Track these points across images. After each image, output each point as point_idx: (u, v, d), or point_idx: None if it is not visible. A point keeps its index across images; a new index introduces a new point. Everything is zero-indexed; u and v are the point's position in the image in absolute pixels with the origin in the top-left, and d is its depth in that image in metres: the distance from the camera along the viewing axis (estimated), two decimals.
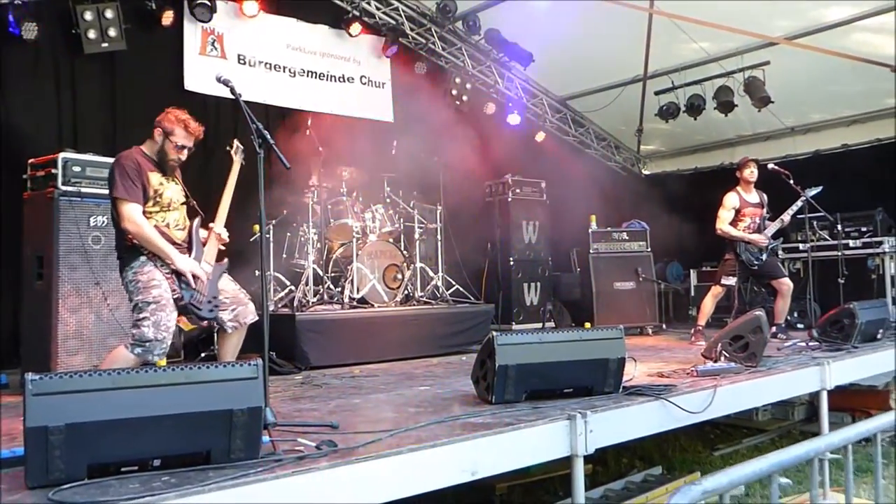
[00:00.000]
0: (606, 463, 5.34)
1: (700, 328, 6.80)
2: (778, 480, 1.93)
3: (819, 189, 6.55)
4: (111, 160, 4.45)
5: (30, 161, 5.19)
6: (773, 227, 6.58)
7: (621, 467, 5.39)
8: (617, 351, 3.77)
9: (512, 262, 8.54)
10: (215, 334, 5.30)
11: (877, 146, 8.77)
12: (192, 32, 7.29)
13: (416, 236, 7.40)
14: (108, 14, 6.42)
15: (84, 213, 4.96)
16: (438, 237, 7.76)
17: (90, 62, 6.60)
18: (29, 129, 6.13)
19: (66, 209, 4.89)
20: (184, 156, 3.86)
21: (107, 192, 3.79)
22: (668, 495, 1.62)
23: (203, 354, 5.96)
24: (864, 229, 8.12)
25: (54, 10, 6.33)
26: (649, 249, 8.62)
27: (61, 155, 4.99)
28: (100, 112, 6.75)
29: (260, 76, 7.79)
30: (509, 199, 8.66)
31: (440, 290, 7.32)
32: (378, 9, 8.58)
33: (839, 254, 7.33)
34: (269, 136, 3.32)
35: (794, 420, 6.79)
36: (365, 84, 8.76)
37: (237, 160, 4.06)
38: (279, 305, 6.52)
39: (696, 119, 9.07)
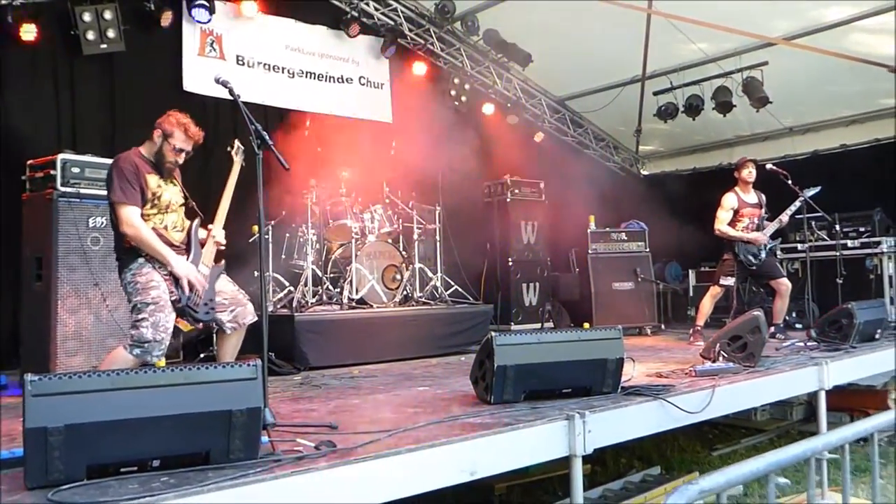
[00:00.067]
0: (605, 463, 5.34)
1: (699, 328, 6.81)
2: (775, 480, 1.94)
3: (817, 189, 6.56)
4: (110, 161, 4.45)
5: (29, 162, 5.20)
6: (771, 228, 6.59)
7: (620, 467, 5.40)
8: (615, 351, 3.78)
9: (511, 263, 8.55)
10: (214, 335, 5.31)
11: (875, 146, 8.78)
12: (190, 33, 7.30)
13: (415, 237, 7.40)
14: (107, 15, 6.42)
15: (83, 214, 4.97)
16: (437, 238, 7.77)
17: (89, 63, 6.60)
18: (28, 130, 6.14)
19: (65, 210, 4.90)
20: (181, 159, 3.85)
21: (106, 193, 3.80)
22: (667, 495, 1.62)
23: (202, 355, 5.96)
24: (862, 229, 8.13)
25: (53, 11, 6.33)
26: (648, 250, 8.63)
27: (60, 156, 5.00)
28: (99, 113, 6.75)
29: (259, 77, 7.80)
30: (508, 200, 8.67)
31: (439, 291, 7.33)
32: (377, 9, 8.58)
33: (837, 254, 7.35)
34: (267, 137, 3.33)
35: (793, 420, 6.80)
36: (364, 85, 8.76)
37: (237, 161, 4.06)
38: (278, 306, 6.52)
39: (694, 119, 9.08)
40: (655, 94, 9.29)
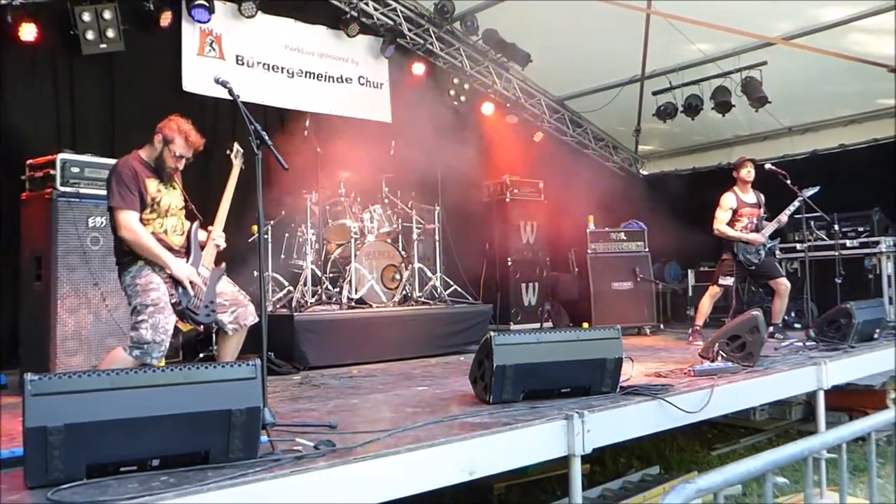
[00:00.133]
0: (604, 463, 5.34)
1: (698, 328, 6.81)
2: (772, 479, 1.94)
3: (816, 189, 6.57)
4: (110, 161, 4.46)
5: (28, 162, 5.19)
6: (770, 228, 6.59)
7: (619, 467, 5.40)
8: (614, 351, 3.78)
9: (510, 263, 8.56)
10: (214, 335, 5.32)
11: (874, 146, 8.80)
12: (190, 33, 7.30)
13: (415, 237, 7.41)
14: (106, 15, 6.43)
15: (82, 214, 4.96)
16: (436, 237, 7.77)
17: (88, 63, 6.61)
18: (27, 129, 6.14)
19: (65, 210, 4.90)
20: (181, 165, 3.86)
21: (105, 192, 3.80)
22: (664, 494, 1.63)
23: (202, 355, 5.97)
24: (861, 229, 8.14)
25: (52, 11, 6.34)
26: (647, 249, 8.64)
27: (60, 156, 5.00)
28: (98, 113, 6.76)
29: (258, 77, 7.80)
30: (507, 200, 8.68)
31: (438, 291, 7.33)
32: (376, 9, 8.59)
33: (836, 254, 7.36)
34: (266, 138, 3.33)
35: (792, 420, 6.80)
36: (363, 84, 8.77)
37: (237, 164, 4.06)
38: (277, 306, 6.53)
39: (693, 119, 9.09)
40: (654, 93, 9.30)
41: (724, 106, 8.61)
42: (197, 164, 5.58)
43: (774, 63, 8.13)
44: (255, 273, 4.04)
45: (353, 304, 6.49)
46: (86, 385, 2.35)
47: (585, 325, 7.75)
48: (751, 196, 6.73)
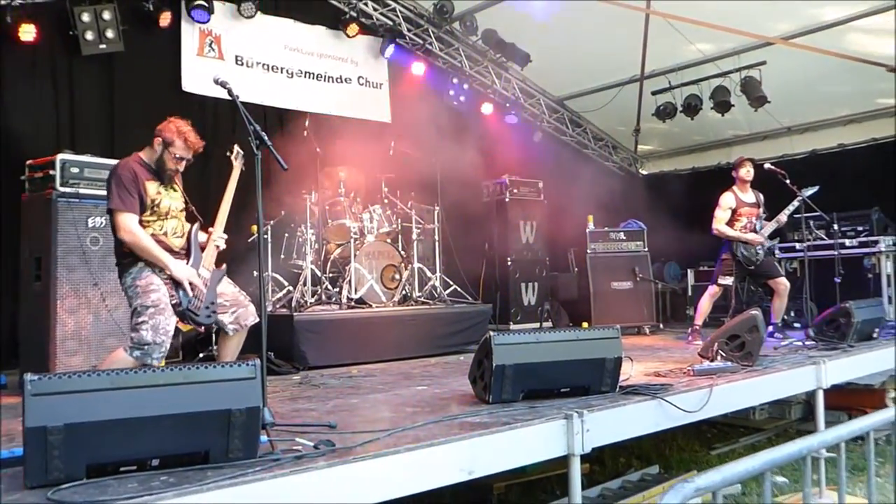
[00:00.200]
0: (603, 462, 5.35)
1: (697, 328, 6.82)
2: (771, 478, 1.95)
3: (815, 189, 6.57)
4: (109, 161, 4.46)
5: (28, 162, 5.20)
6: (769, 227, 6.59)
7: (618, 466, 5.40)
8: (614, 350, 3.78)
9: (510, 263, 8.56)
10: (214, 335, 5.32)
11: (873, 146, 8.81)
12: (189, 33, 7.31)
13: (414, 237, 7.41)
14: (106, 15, 6.43)
15: (82, 215, 4.97)
16: (436, 237, 7.77)
17: (88, 63, 6.61)
18: (27, 130, 6.15)
19: (65, 210, 4.91)
20: (182, 167, 3.88)
21: (105, 193, 3.81)
22: (662, 493, 1.63)
23: (201, 355, 5.97)
24: (860, 229, 8.14)
25: (52, 11, 6.34)
26: (647, 249, 8.64)
27: (59, 156, 5.00)
28: (98, 113, 6.76)
29: (258, 77, 7.81)
30: (507, 200, 8.68)
31: (438, 291, 7.33)
32: (375, 10, 8.59)
33: (836, 253, 7.35)
34: (266, 138, 3.33)
35: (791, 419, 6.80)
36: (362, 85, 8.77)
37: (237, 166, 4.07)
38: (277, 306, 6.53)
39: (692, 119, 9.10)
40: (654, 93, 9.31)
41: (723, 106, 8.62)
42: (196, 166, 5.59)
43: (774, 63, 8.14)
44: (255, 273, 4.05)
45: (352, 304, 6.49)
46: (85, 385, 2.35)
47: (585, 324, 7.75)
48: (750, 196, 6.74)
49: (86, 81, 6.69)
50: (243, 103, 3.47)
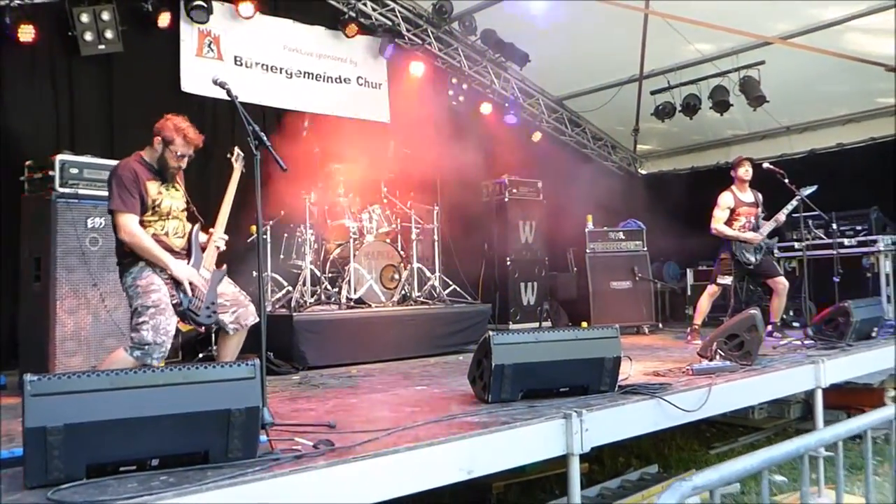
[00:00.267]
0: (603, 461, 5.35)
1: (696, 327, 6.82)
2: (769, 477, 1.95)
3: (813, 188, 6.57)
4: (109, 162, 4.46)
5: (27, 163, 5.20)
6: (768, 227, 6.60)
7: (617, 466, 5.41)
8: (613, 350, 3.79)
9: (509, 262, 8.57)
10: (213, 335, 5.33)
11: (872, 145, 8.81)
12: (188, 34, 7.31)
13: (413, 237, 7.41)
14: (105, 16, 6.43)
15: (81, 215, 4.97)
16: (435, 237, 7.78)
17: (87, 64, 6.61)
18: (26, 131, 6.14)
19: (64, 211, 4.91)
20: (184, 164, 3.87)
21: (104, 193, 3.81)
22: (660, 492, 1.63)
23: (201, 355, 5.97)
24: (859, 228, 8.15)
25: (51, 12, 6.34)
26: (646, 249, 8.65)
27: (59, 157, 5.01)
28: (97, 114, 6.76)
29: (257, 77, 7.81)
30: (506, 200, 8.69)
31: (437, 291, 7.34)
32: (374, 10, 8.60)
33: (834, 252, 7.35)
34: (265, 138, 3.34)
35: (790, 418, 6.81)
36: (361, 85, 8.78)
37: (237, 167, 4.08)
38: (277, 306, 6.53)
39: (691, 118, 9.11)
40: (653, 93, 9.31)
41: (722, 105, 8.62)
42: (196, 165, 5.61)
43: (772, 62, 8.14)
44: (255, 273, 4.05)
45: (352, 304, 6.49)
46: (85, 385, 2.36)
47: (584, 324, 7.75)
48: (748, 195, 6.74)
49: (85, 82, 6.69)
50: (242, 104, 3.47)
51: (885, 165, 8.36)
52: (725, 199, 6.67)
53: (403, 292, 7.04)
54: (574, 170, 10.09)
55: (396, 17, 8.78)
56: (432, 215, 7.81)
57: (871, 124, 8.81)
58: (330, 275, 6.86)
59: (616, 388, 3.81)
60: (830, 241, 7.68)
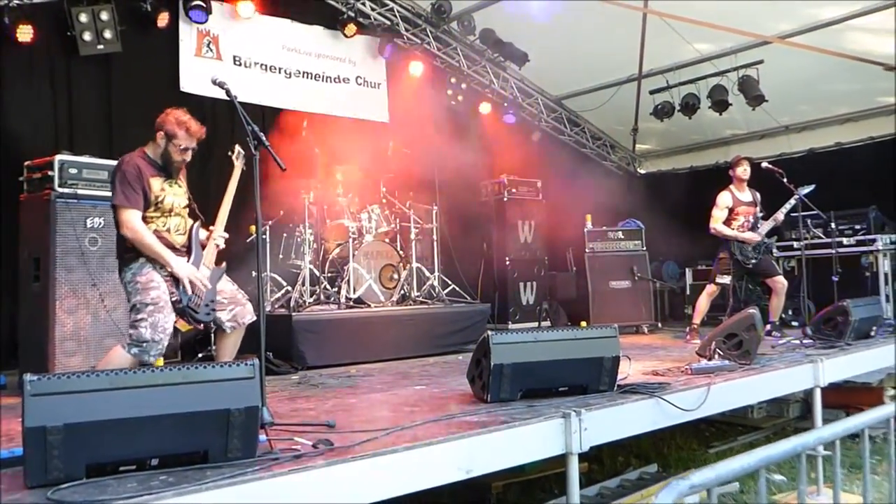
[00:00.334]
0: (602, 461, 5.36)
1: (695, 326, 6.83)
2: (766, 476, 1.96)
3: (812, 187, 6.58)
4: (108, 162, 4.46)
5: (26, 163, 5.20)
6: (766, 226, 6.60)
7: (617, 465, 5.41)
8: (612, 349, 3.79)
9: (508, 262, 8.57)
10: (212, 334, 5.33)
11: (871, 144, 8.81)
12: (187, 34, 7.31)
13: (412, 236, 7.42)
14: (104, 16, 6.43)
15: (81, 215, 4.97)
16: (434, 237, 7.78)
17: (86, 64, 6.61)
18: (25, 131, 6.14)
19: (63, 211, 4.91)
20: (188, 157, 3.87)
21: (103, 193, 3.82)
22: (658, 492, 1.64)
23: (200, 355, 5.97)
24: (857, 227, 8.15)
25: (49, 12, 6.33)
26: (645, 248, 8.66)
27: (58, 157, 5.00)
28: (96, 114, 6.76)
29: (256, 77, 7.81)
30: (505, 199, 8.69)
31: (436, 290, 7.34)
32: (373, 9, 8.59)
33: (833, 252, 7.36)
34: (264, 138, 3.34)
35: (789, 417, 6.82)
36: (360, 85, 8.78)
37: (238, 165, 4.08)
38: (276, 306, 6.54)
39: (690, 118, 9.10)
40: (652, 92, 9.31)
41: (720, 105, 8.62)
42: (196, 164, 5.61)
43: (771, 62, 8.14)
44: (254, 273, 4.06)
45: (351, 303, 6.50)
46: (85, 385, 2.36)
47: (583, 323, 7.71)
48: (747, 194, 6.75)
49: (84, 82, 6.68)
50: (241, 104, 3.48)
51: (884, 165, 8.36)
52: (724, 199, 6.68)
53: (402, 292, 7.05)
54: (573, 169, 10.09)
55: (395, 16, 8.78)
56: (431, 215, 7.81)
57: (871, 124, 8.80)
58: (329, 274, 6.87)
59: (615, 388, 3.81)
60: (829, 240, 7.69)
